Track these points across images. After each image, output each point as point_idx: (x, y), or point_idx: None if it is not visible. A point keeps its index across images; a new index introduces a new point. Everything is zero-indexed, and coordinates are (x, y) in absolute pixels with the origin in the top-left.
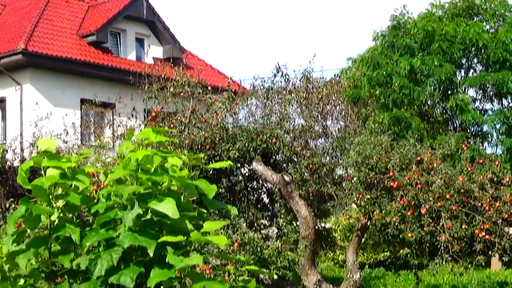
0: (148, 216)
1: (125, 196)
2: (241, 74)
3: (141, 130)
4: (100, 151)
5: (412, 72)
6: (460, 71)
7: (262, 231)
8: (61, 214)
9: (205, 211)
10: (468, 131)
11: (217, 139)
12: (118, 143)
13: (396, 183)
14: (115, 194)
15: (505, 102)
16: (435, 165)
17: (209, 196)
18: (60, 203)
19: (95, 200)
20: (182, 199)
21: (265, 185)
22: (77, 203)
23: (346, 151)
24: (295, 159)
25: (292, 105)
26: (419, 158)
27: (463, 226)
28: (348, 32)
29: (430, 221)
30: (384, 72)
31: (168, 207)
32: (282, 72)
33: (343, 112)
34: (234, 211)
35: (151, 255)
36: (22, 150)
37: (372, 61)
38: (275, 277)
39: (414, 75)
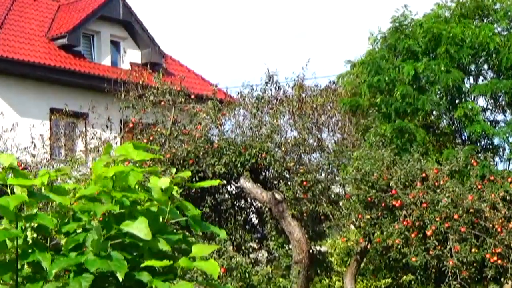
0: (127, 239)
1: (98, 216)
2: (227, 81)
3: (117, 143)
4: (72, 166)
5: (416, 78)
6: (469, 78)
7: (251, 255)
8: (31, 237)
9: (189, 234)
10: (478, 144)
11: (201, 153)
12: (91, 157)
13: (399, 202)
14: (88, 213)
15: None
16: (441, 182)
17: (196, 217)
18: (30, 224)
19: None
20: (161, 220)
21: (254, 204)
22: (49, 225)
23: (343, 166)
24: (287, 176)
25: (284, 116)
26: (424, 174)
27: (473, 250)
28: (339, 32)
29: (436, 244)
30: (386, 78)
31: (140, 228)
32: (273, 79)
33: (340, 123)
34: (222, 234)
35: (121, 279)
36: None
37: (373, 65)
38: None
39: (418, 82)
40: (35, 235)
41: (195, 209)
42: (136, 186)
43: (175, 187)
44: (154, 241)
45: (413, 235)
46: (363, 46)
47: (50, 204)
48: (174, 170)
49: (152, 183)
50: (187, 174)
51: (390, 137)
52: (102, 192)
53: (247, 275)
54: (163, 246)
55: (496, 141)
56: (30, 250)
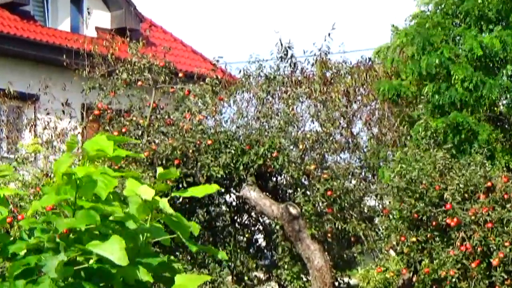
0: (93, 263)
1: (59, 232)
2: (225, 55)
3: (77, 136)
4: (18, 164)
5: (481, 55)
6: None
7: None
8: None
9: (174, 259)
10: None
11: (191, 150)
12: (42, 154)
13: (455, 220)
14: (42, 230)
15: None
16: None
17: (186, 236)
18: None
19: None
20: (142, 239)
21: (261, 220)
22: None
23: (381, 171)
24: (306, 183)
25: (302, 103)
26: (489, 184)
27: None
28: None
29: (505, 277)
30: (437, 61)
31: (113, 250)
32: (287, 53)
33: (378, 113)
34: (223, 255)
35: None
36: None
37: (421, 37)
38: None
39: (483, 60)
40: None
41: (186, 221)
42: (110, 196)
43: (160, 198)
44: (132, 268)
45: (473, 265)
46: (409, 9)
47: None
48: (161, 169)
49: (129, 191)
50: (175, 174)
51: (443, 134)
52: (64, 204)
53: None
54: (144, 276)
55: None
56: None
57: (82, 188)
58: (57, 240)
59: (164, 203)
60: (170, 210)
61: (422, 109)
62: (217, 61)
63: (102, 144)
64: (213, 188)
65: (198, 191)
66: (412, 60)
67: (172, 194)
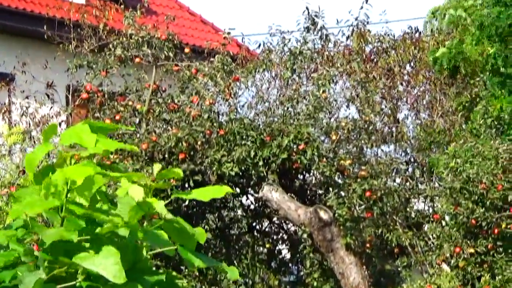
0: (81, 281)
1: (47, 244)
2: (242, 27)
3: (61, 124)
4: None
5: None
6: None
7: None
8: None
9: (177, 274)
10: None
11: (199, 142)
12: (18, 146)
13: None
14: (18, 240)
15: None
16: None
17: (190, 246)
18: None
19: None
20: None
21: (285, 227)
22: None
23: (431, 167)
24: (340, 182)
25: (336, 83)
26: None
27: None
28: None
29: None
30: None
31: (107, 265)
32: (317, 23)
33: (428, 96)
34: (233, 274)
35: None
36: None
37: None
38: None
39: None
40: None
41: (191, 228)
42: (98, 198)
43: (156, 200)
44: (130, 286)
45: None
46: None
47: None
48: (158, 167)
49: (121, 191)
50: (177, 173)
51: (509, 118)
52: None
53: None
54: None
55: None
56: None
57: (75, 192)
58: (36, 253)
59: (160, 206)
60: (168, 215)
61: (485, 83)
62: (229, 33)
63: (81, 135)
64: (223, 190)
65: (204, 194)
66: (475, 20)
67: (172, 196)
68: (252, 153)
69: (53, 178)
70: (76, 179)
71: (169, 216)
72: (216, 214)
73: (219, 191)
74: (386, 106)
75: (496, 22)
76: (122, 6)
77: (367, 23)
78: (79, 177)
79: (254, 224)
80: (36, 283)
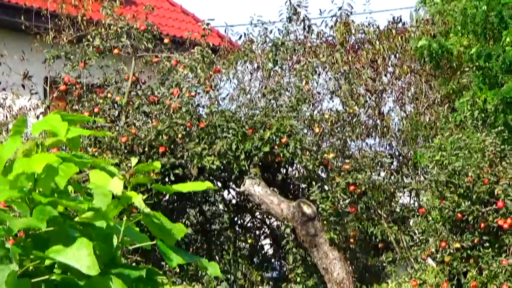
0: (55, 274)
1: (13, 233)
2: (224, 17)
3: (39, 117)
4: None
5: None
6: None
7: None
8: None
9: (156, 270)
10: None
11: (180, 135)
12: None
13: (508, 221)
14: None
15: None
16: None
17: (170, 242)
18: None
19: None
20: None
21: (267, 222)
22: None
23: (416, 160)
24: (324, 175)
25: (319, 75)
26: None
27: None
28: None
29: None
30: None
31: (80, 257)
32: (299, 13)
33: (413, 88)
34: (214, 270)
35: None
36: None
37: None
38: None
39: None
40: None
41: (171, 223)
42: (70, 189)
43: (135, 194)
44: (104, 279)
45: None
46: None
47: None
48: (136, 160)
49: (95, 183)
50: (156, 166)
51: (495, 111)
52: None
53: None
54: None
55: None
56: None
57: (40, 180)
58: (7, 245)
59: (139, 199)
60: (147, 209)
61: (469, 77)
62: (208, 24)
63: (53, 124)
64: (204, 185)
65: (186, 187)
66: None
67: (153, 190)
68: (234, 146)
69: (15, 166)
70: (37, 167)
71: (148, 210)
72: (197, 209)
73: (200, 185)
74: (370, 98)
75: (476, 16)
76: None
77: (351, 13)
78: (40, 164)
79: (236, 219)
80: (9, 278)
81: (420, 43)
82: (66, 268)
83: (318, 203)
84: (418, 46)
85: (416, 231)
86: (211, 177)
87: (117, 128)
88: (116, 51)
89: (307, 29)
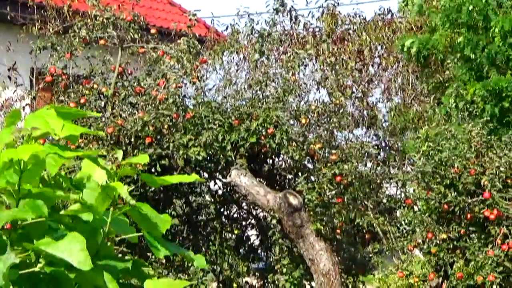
0: (44, 266)
1: (2, 225)
2: (211, 8)
3: (25, 109)
4: None
5: None
6: None
7: None
8: None
9: (143, 261)
10: None
11: (166, 126)
12: None
13: (494, 212)
14: None
15: None
16: None
17: (157, 233)
18: None
19: None
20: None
21: (254, 213)
22: None
23: (403, 151)
24: (310, 166)
25: (306, 66)
26: None
27: None
28: None
29: None
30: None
31: (72, 251)
32: (286, 4)
33: (400, 80)
34: (200, 262)
35: None
36: None
37: None
38: None
39: None
40: None
41: (157, 214)
42: (61, 180)
43: (120, 184)
44: (93, 273)
45: None
46: None
47: None
48: (120, 153)
49: (83, 175)
50: (143, 159)
51: (481, 103)
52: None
53: None
54: (109, 283)
55: None
56: None
57: (27, 172)
58: (4, 237)
59: (124, 190)
60: (132, 201)
61: (454, 70)
62: (194, 14)
63: (47, 119)
64: (191, 177)
65: (172, 179)
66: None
67: (142, 177)
68: (220, 137)
69: (1, 156)
70: (23, 157)
71: (133, 202)
72: (184, 200)
73: (188, 178)
74: (357, 89)
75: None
76: None
77: (338, 4)
78: (26, 154)
79: (222, 210)
80: (6, 270)
81: (405, 43)
82: (53, 261)
83: (305, 193)
84: (403, 45)
85: (403, 222)
86: (197, 168)
87: (103, 119)
88: (102, 42)
89: (293, 20)
